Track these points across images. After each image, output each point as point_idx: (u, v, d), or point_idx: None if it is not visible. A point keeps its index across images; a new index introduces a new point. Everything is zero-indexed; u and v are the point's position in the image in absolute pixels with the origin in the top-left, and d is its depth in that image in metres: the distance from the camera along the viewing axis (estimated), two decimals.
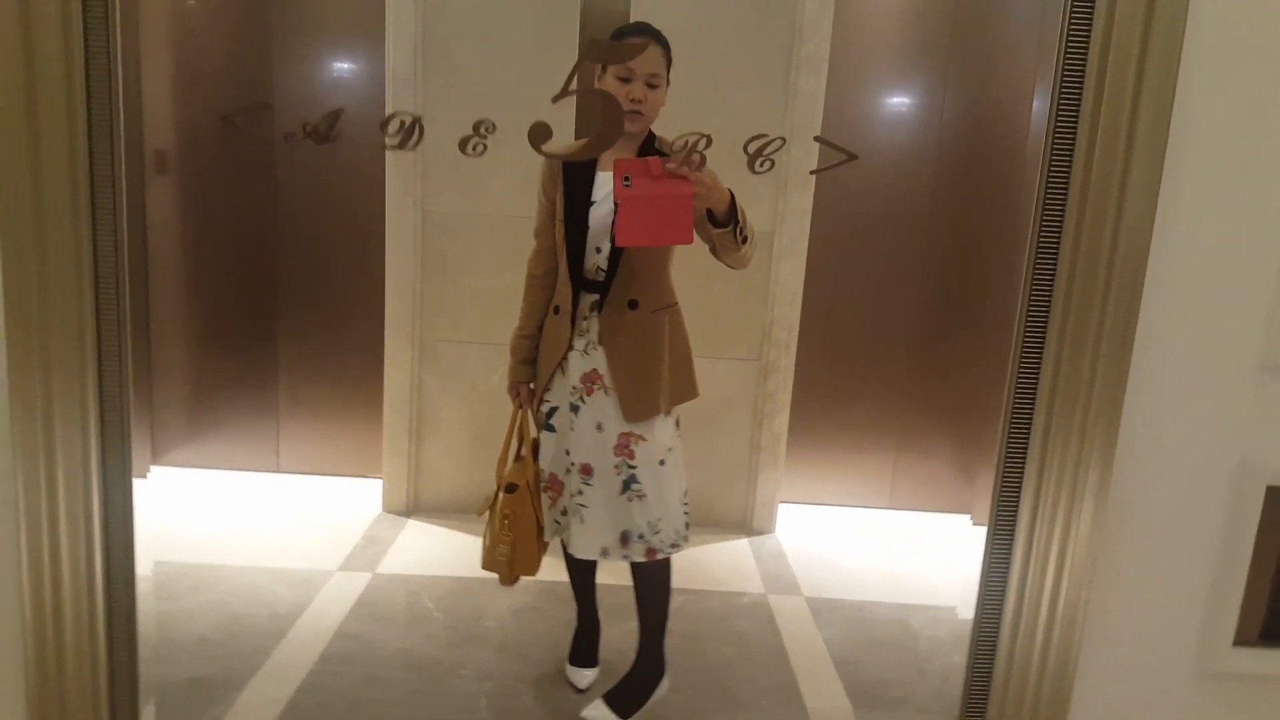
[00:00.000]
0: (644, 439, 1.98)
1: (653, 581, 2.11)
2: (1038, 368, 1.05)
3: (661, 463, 2.01)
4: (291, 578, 2.79)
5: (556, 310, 2.03)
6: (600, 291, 1.96)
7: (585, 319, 1.99)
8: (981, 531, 1.12)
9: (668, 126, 1.90)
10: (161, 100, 3.30)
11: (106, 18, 1.13)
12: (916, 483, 3.53)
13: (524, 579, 2.16)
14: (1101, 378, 1.00)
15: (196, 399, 3.56)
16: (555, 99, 1.17)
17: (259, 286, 3.47)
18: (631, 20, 2.88)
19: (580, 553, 2.04)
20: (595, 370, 1.98)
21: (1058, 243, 1.00)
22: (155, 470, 3.56)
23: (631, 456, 1.98)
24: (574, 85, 1.15)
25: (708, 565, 3.08)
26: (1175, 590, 1.01)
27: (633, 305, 1.95)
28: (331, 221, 3.41)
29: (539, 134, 1.17)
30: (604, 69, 1.90)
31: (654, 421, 1.99)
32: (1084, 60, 0.99)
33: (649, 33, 1.89)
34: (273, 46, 3.27)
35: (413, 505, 3.35)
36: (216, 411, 3.57)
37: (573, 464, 2.02)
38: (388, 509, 3.35)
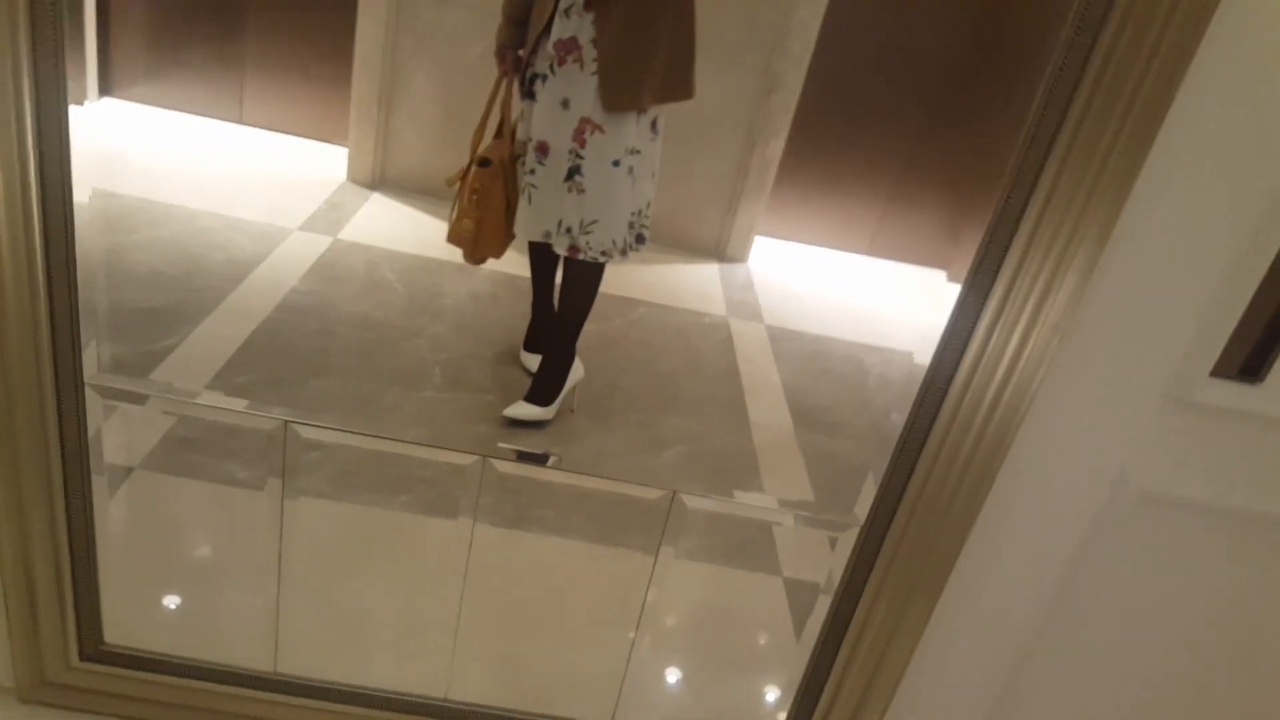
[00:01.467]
0: (602, 131, 1.81)
1: (577, 280, 2.04)
2: (1062, 119, 0.93)
3: (616, 163, 1.84)
4: (250, 229, 2.70)
5: None
6: None
7: None
8: (956, 288, 1.06)
9: None
10: None
11: None
12: (899, 234, 3.46)
13: (481, 266, 2.10)
14: (1149, 86, 0.89)
15: (158, 33, 3.24)
16: None
17: None
18: None
19: (521, 232, 1.96)
20: (574, 39, 1.77)
21: None
22: (111, 102, 3.32)
23: (583, 145, 1.82)
24: None
25: (673, 283, 3.06)
26: (1168, 315, 0.97)
27: None
28: None
29: None
30: None
31: (624, 115, 1.81)
32: None
33: None
34: None
35: (378, 178, 3.21)
36: (179, 50, 3.26)
37: (530, 138, 1.87)
38: (352, 178, 3.20)
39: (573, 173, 1.86)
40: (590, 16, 1.75)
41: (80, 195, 1.08)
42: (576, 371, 2.16)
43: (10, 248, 1.01)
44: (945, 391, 1.04)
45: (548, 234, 1.94)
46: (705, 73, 2.02)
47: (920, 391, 1.09)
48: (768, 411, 2.39)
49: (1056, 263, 0.95)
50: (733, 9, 2.85)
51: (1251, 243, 0.91)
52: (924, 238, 3.44)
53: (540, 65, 1.85)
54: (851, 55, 3.14)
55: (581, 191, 1.86)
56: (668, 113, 1.93)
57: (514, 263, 2.31)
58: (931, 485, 1.09)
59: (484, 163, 1.98)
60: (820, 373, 2.67)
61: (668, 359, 2.56)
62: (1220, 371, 0.97)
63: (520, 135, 1.96)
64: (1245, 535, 1.06)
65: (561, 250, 1.94)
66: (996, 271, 0.98)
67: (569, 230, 1.90)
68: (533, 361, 2.31)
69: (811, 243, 3.48)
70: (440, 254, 2.80)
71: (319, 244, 2.72)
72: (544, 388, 2.12)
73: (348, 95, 3.12)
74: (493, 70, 1.96)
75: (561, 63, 1.80)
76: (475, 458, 1.19)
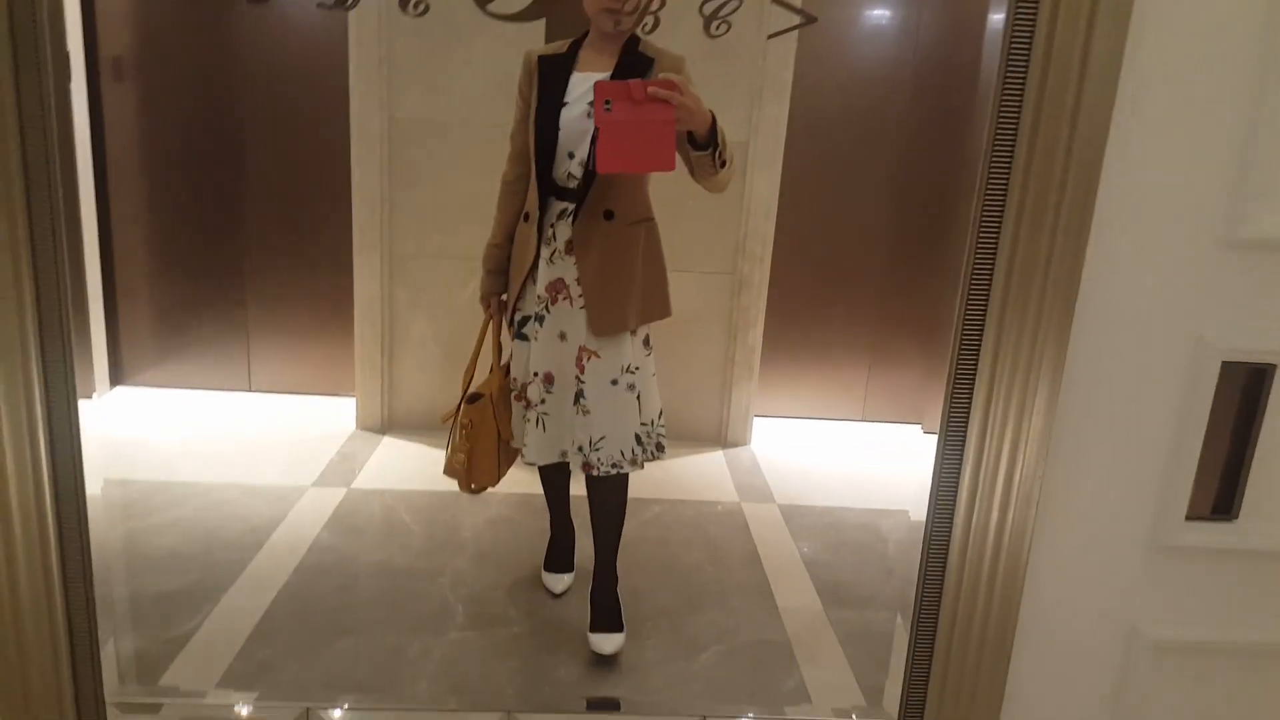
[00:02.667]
0: (597, 355, 1.96)
1: (601, 497, 2.10)
2: (993, 256, 1.03)
3: (614, 382, 1.97)
4: (266, 493, 2.79)
5: (526, 217, 1.98)
6: (573, 199, 1.90)
7: (553, 226, 1.94)
8: (932, 439, 1.12)
9: None
10: (115, 5, 3.14)
11: None
12: (889, 395, 3.55)
13: (495, 491, 2.17)
14: (1057, 258, 0.99)
15: (164, 318, 3.49)
16: None
17: (222, 201, 3.37)
18: None
19: (532, 458, 2.04)
20: (561, 279, 1.95)
21: (1016, 122, 0.97)
22: (124, 390, 3.51)
23: (583, 370, 1.96)
24: None
25: (682, 476, 3.11)
26: (1130, 468, 1.02)
27: (608, 216, 1.89)
28: (296, 131, 3.29)
29: None
30: None
31: (617, 338, 1.96)
32: None
33: None
34: None
35: (387, 422, 3.34)
36: (185, 331, 3.50)
37: (536, 373, 2.01)
38: (362, 426, 3.33)
39: (578, 396, 1.98)
40: (572, 259, 1.93)
41: (93, 487, 1.14)
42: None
43: (25, 552, 1.06)
44: (948, 541, 1.06)
45: (563, 454, 2.03)
46: (681, 280, 2.23)
47: (924, 548, 1.12)
48: (794, 594, 2.36)
49: (1016, 430, 1.01)
50: (694, 224, 3.09)
51: (1189, 390, 0.97)
52: (912, 395, 3.53)
53: (530, 308, 2.01)
54: (810, 238, 3.37)
55: (587, 412, 1.97)
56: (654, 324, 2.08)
57: (526, 482, 2.37)
58: (953, 666, 1.09)
59: (473, 398, 2.11)
60: (838, 545, 2.65)
61: (688, 553, 2.56)
62: (1195, 514, 1.01)
63: (514, 372, 2.09)
64: (1252, 667, 1.05)
65: (577, 468, 2.02)
66: (968, 405, 1.02)
67: (580, 449, 2.00)
68: (555, 581, 2.32)
69: (808, 416, 3.57)
70: (453, 485, 2.87)
71: (334, 496, 2.80)
72: (611, 611, 2.13)
73: (350, 349, 3.31)
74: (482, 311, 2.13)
75: (554, 301, 1.96)
76: (500, 714, 1.19)
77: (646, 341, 2.04)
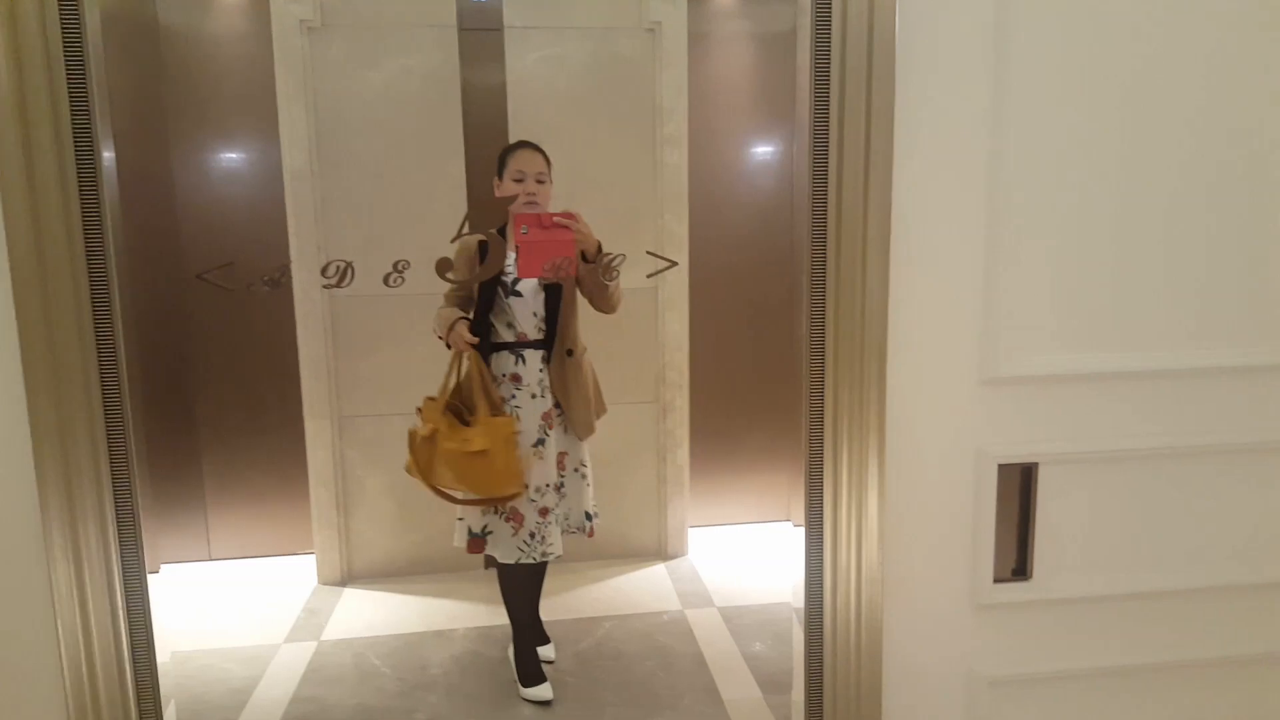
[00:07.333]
0: (567, 453, 2.59)
1: (538, 574, 2.68)
2: (822, 392, 1.42)
3: (576, 470, 2.61)
4: (240, 655, 2.95)
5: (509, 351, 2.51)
6: (543, 347, 2.49)
7: (540, 370, 2.50)
8: (799, 532, 1.52)
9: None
10: None
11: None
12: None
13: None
14: (872, 402, 1.38)
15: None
16: (453, 240, 1.50)
17: (171, 378, 3.59)
18: (511, 128, 3.30)
19: (558, 550, 2.55)
20: (549, 410, 2.53)
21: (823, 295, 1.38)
22: None
23: (563, 469, 2.58)
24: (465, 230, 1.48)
25: (629, 591, 3.39)
26: (949, 546, 1.38)
27: (569, 353, 2.51)
28: (242, 308, 3.55)
29: (444, 266, 1.50)
30: (501, 174, 2.45)
31: (582, 441, 2.60)
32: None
33: (531, 145, 2.46)
34: (169, 139, 3.46)
35: (347, 575, 3.54)
36: (143, 508, 3.65)
37: (546, 485, 2.53)
38: (323, 581, 3.52)
39: (559, 486, 2.58)
40: (552, 392, 2.52)
41: (163, 655, 1.39)
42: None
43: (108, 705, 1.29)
44: (821, 619, 1.43)
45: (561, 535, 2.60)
46: (612, 411, 2.67)
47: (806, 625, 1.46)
48: (738, 689, 2.64)
49: (859, 529, 1.38)
50: (618, 362, 3.46)
51: (979, 486, 1.36)
52: None
53: (534, 431, 2.52)
54: (722, 361, 3.80)
55: (565, 496, 2.59)
56: (595, 450, 2.69)
57: (486, 616, 2.59)
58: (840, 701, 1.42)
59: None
60: (774, 638, 2.96)
61: (640, 663, 2.82)
62: (999, 577, 1.38)
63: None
64: (1065, 690, 1.41)
65: (557, 538, 2.57)
66: (820, 513, 1.40)
67: (561, 521, 2.61)
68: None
69: (740, 522, 3.91)
70: (418, 627, 3.08)
71: (306, 651, 2.98)
72: (532, 664, 2.66)
73: (306, 509, 3.52)
74: None
75: (551, 427, 2.53)
76: None
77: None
